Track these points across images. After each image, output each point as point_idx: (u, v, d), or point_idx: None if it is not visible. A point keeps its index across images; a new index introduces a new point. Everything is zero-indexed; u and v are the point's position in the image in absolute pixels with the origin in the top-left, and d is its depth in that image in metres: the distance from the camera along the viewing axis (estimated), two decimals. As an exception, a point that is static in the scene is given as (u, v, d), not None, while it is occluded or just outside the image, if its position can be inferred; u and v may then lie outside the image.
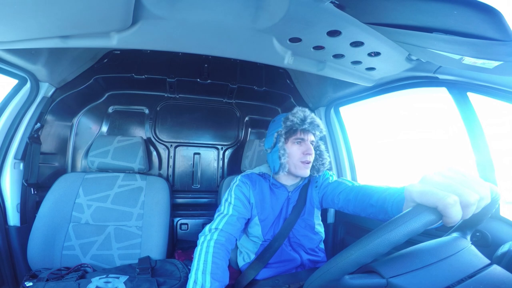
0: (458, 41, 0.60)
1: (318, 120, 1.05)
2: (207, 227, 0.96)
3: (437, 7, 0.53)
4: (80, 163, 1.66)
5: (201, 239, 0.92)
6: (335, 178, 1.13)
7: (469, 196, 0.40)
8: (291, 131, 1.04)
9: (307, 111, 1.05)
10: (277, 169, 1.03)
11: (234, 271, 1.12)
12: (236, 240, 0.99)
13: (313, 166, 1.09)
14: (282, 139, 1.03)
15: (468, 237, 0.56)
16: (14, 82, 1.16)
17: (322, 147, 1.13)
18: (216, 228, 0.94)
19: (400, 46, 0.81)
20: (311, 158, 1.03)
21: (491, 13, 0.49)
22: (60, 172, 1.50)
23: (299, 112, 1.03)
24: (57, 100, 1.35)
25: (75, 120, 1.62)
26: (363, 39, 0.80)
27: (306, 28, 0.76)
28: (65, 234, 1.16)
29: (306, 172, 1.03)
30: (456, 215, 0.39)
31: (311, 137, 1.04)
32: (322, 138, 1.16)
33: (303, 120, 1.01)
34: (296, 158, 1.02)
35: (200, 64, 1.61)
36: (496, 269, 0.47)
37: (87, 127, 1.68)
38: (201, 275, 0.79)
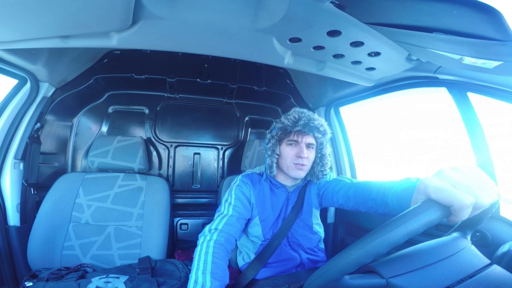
0: (458, 41, 0.60)
1: (318, 122, 1.00)
2: (206, 228, 0.96)
3: (437, 7, 0.53)
4: (80, 163, 1.66)
5: (201, 239, 0.92)
6: (333, 176, 1.12)
7: (484, 200, 0.40)
8: (285, 133, 1.02)
9: (305, 113, 1.02)
10: (266, 169, 1.05)
11: (234, 271, 1.12)
12: (236, 240, 0.99)
13: (313, 172, 1.06)
14: (273, 141, 1.04)
15: (468, 237, 0.56)
16: (14, 82, 1.16)
17: (326, 151, 1.05)
18: (215, 229, 0.94)
19: (400, 46, 0.81)
20: (306, 161, 0.99)
21: (491, 13, 0.49)
22: (60, 172, 1.50)
23: (294, 113, 1.02)
24: (57, 100, 1.35)
25: (75, 120, 1.63)
26: (363, 39, 0.79)
27: (306, 28, 0.76)
28: (65, 234, 1.16)
29: (299, 174, 1.01)
30: (466, 215, 0.39)
31: (307, 139, 1.00)
32: (329, 141, 1.08)
33: (295, 122, 0.99)
34: (288, 160, 1.01)
35: (200, 64, 1.61)
36: (496, 269, 0.47)
37: (87, 127, 1.68)
38: (202, 275, 0.79)
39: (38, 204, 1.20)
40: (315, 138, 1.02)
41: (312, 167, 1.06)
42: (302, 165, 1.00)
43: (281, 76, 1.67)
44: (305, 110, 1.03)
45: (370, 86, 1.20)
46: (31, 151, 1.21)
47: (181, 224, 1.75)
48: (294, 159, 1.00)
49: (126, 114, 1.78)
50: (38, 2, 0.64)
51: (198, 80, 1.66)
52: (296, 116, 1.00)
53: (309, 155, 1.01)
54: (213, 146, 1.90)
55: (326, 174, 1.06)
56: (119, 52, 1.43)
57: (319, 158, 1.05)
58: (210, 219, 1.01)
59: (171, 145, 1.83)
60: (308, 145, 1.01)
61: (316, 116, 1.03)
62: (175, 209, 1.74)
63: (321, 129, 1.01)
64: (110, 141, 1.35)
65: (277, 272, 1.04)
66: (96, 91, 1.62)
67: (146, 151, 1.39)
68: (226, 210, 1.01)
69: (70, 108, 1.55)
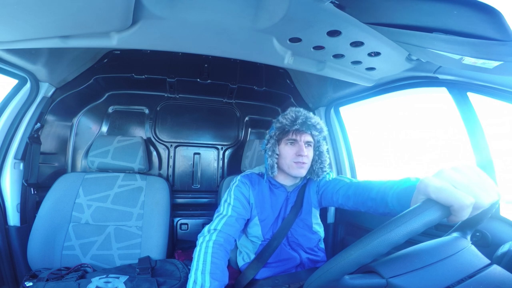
0: (458, 41, 0.60)
1: (315, 120, 1.02)
2: (206, 228, 0.96)
3: (437, 7, 0.53)
4: (80, 163, 1.66)
5: (200, 239, 0.92)
6: (333, 176, 1.12)
7: (484, 200, 0.40)
8: (283, 132, 1.03)
9: (301, 111, 1.03)
10: (267, 170, 1.05)
11: (234, 271, 1.12)
12: (235, 240, 0.99)
13: (313, 170, 1.07)
14: (272, 141, 1.04)
15: (468, 237, 0.56)
16: (14, 82, 1.16)
17: (323, 148, 1.08)
18: (215, 229, 0.94)
19: (400, 46, 0.81)
20: (305, 159, 1.00)
21: (491, 13, 0.49)
22: (60, 172, 1.50)
23: (291, 112, 1.03)
24: (57, 100, 1.35)
25: (75, 120, 1.63)
26: (363, 39, 0.79)
27: (306, 28, 0.76)
28: (65, 234, 1.16)
29: (300, 172, 1.01)
30: (466, 216, 0.39)
31: (306, 138, 1.02)
32: (325, 139, 1.11)
33: (293, 121, 1.00)
34: (288, 158, 1.02)
35: (200, 64, 1.61)
36: (496, 269, 0.47)
37: (87, 127, 1.68)
38: (201, 275, 0.79)
39: (38, 204, 1.19)
40: (313, 136, 1.03)
41: (311, 165, 1.07)
42: (303, 163, 1.00)
43: (281, 76, 1.67)
44: (301, 109, 1.04)
45: (370, 86, 1.20)
46: (31, 151, 1.21)
47: (181, 224, 1.75)
48: (294, 158, 1.00)
49: (126, 114, 1.78)
50: (38, 2, 0.64)
51: (198, 80, 1.66)
52: (294, 115, 1.01)
53: (308, 153, 1.02)
54: (213, 146, 1.90)
55: (325, 171, 1.07)
56: (119, 52, 1.43)
57: (317, 155, 1.07)
58: (210, 219, 1.01)
59: (171, 145, 1.83)
60: (307, 143, 1.02)
61: (311, 114, 1.04)
62: (175, 209, 1.74)
63: (317, 127, 1.02)
64: (110, 141, 1.35)
65: (277, 272, 1.04)
66: (96, 91, 1.62)
67: (146, 151, 1.39)
68: (225, 210, 1.01)
69: (70, 108, 1.55)
